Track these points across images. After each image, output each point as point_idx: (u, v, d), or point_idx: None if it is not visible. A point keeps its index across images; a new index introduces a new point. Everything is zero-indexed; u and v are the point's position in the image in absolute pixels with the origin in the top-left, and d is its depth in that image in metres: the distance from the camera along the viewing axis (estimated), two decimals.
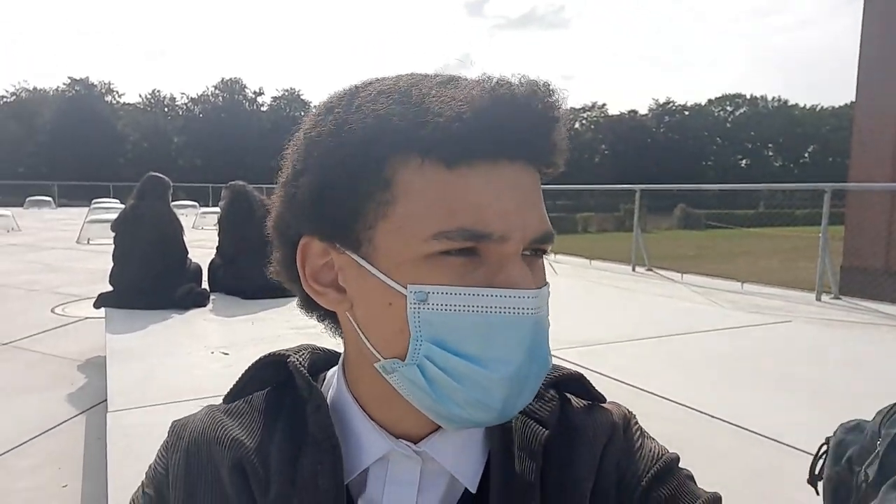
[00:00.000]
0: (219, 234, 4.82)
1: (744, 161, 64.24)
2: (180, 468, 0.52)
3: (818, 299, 6.04)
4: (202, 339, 3.47)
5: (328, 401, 0.52)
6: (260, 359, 0.56)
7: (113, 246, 4.40)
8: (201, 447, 0.52)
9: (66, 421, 2.96)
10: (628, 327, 4.01)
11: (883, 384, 2.99)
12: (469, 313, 0.43)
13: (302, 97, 62.10)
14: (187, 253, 4.54)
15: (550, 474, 0.50)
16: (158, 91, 60.61)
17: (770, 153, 64.87)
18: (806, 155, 63.05)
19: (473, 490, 0.49)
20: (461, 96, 0.44)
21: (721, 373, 3.12)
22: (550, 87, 0.47)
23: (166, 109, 60.33)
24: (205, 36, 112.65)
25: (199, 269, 4.60)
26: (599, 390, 0.58)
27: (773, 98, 64.78)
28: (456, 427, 0.47)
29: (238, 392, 0.56)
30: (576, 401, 0.56)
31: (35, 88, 55.77)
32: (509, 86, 0.45)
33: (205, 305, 4.27)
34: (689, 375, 3.04)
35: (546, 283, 0.48)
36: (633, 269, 8.11)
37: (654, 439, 0.56)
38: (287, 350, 0.57)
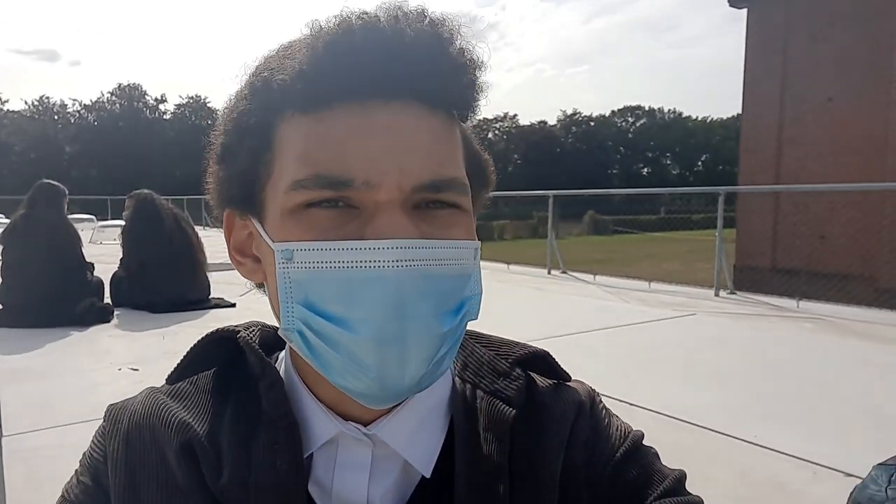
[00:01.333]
0: (123, 246, 4.53)
1: (645, 169, 68.11)
2: (120, 454, 0.48)
3: (717, 295, 6.50)
4: (107, 355, 3.24)
5: None
6: (207, 335, 0.52)
7: (0, 260, 4.03)
8: (143, 431, 0.49)
9: None
10: (549, 325, 4.14)
11: (774, 366, 3.27)
12: (330, 270, 0.39)
13: (209, 104, 59.65)
14: (88, 265, 4.23)
15: (518, 454, 0.48)
16: (47, 98, 56.14)
17: (668, 162, 69.12)
18: (699, 163, 67.71)
19: (428, 475, 0.47)
20: (322, 38, 0.40)
21: (637, 362, 3.28)
22: (425, 14, 0.42)
23: (56, 117, 56.09)
24: (100, 40, 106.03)
25: (100, 283, 4.30)
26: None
27: (669, 110, 69.20)
28: (365, 403, 0.42)
29: (182, 371, 0.52)
30: (541, 379, 0.54)
31: None
32: (371, 19, 0.41)
33: (108, 321, 3.99)
34: (608, 366, 3.17)
35: (450, 238, 0.42)
36: (549, 272, 8.38)
37: (618, 417, 0.54)
38: (236, 326, 0.53)
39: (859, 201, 9.15)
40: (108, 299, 4.33)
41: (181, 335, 3.64)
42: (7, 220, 4.50)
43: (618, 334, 3.95)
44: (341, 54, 0.40)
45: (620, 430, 0.52)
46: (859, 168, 9.20)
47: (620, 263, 12.48)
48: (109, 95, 56.42)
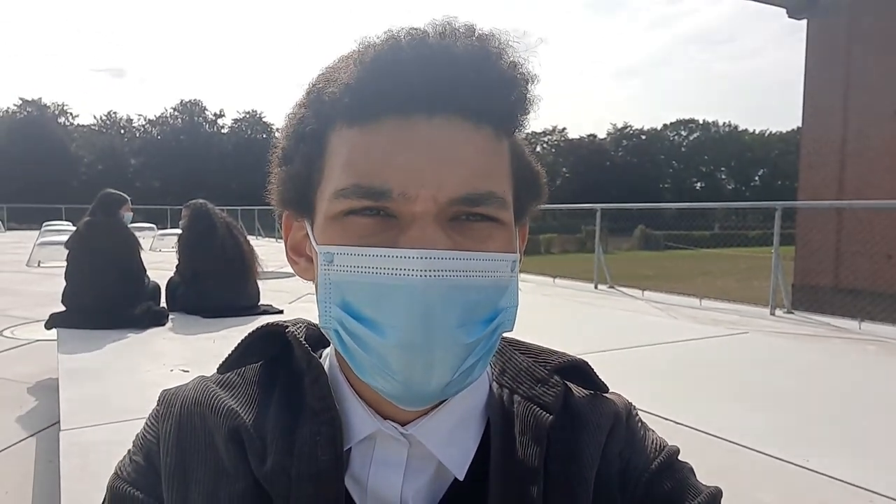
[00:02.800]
0: (178, 253, 4.71)
1: (698, 184, 66.35)
2: (172, 436, 0.51)
3: (772, 313, 6.25)
4: (161, 357, 3.37)
5: None
6: (257, 329, 0.55)
7: (66, 264, 4.26)
8: (194, 416, 0.52)
9: (14, 444, 2.81)
10: (594, 340, 4.07)
11: (831, 389, 3.11)
12: (364, 275, 0.42)
13: (264, 119, 61.60)
14: (145, 270, 4.41)
15: (553, 459, 0.49)
16: (115, 113, 59.26)
17: (723, 176, 67.14)
18: (756, 178, 65.51)
19: (461, 477, 0.48)
20: (369, 53, 0.43)
21: (684, 381, 3.18)
22: (473, 30, 0.44)
23: (122, 131, 59.05)
24: (165, 57, 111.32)
25: (157, 287, 4.47)
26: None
27: (724, 123, 67.28)
28: (396, 403, 0.44)
29: (232, 363, 0.55)
30: (577, 389, 0.55)
31: None
32: (419, 35, 0.43)
33: (163, 324, 4.15)
34: (654, 384, 3.09)
35: (483, 251, 0.43)
36: (596, 287, 8.26)
37: (654, 431, 0.55)
38: (285, 321, 0.56)
39: None
40: (163, 303, 4.50)
41: (231, 339, 3.72)
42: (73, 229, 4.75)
43: (665, 351, 3.84)
44: (387, 69, 0.41)
45: (656, 444, 0.53)
46: None
47: (672, 279, 12.15)
48: (172, 111, 59.05)
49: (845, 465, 2.09)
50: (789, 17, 10.95)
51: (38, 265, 10.57)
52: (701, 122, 67.36)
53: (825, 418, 2.62)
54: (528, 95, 0.45)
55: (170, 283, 4.65)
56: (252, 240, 5.29)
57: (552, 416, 0.50)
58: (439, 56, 0.42)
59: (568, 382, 0.54)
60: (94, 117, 58.74)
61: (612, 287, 8.36)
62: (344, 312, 0.43)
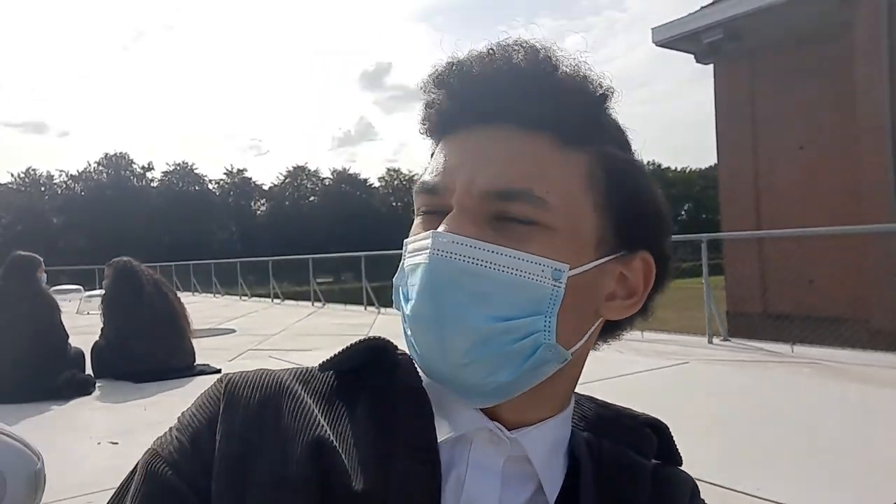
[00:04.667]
0: (103, 315, 4.44)
1: None
2: (236, 426, 0.46)
3: (710, 342, 6.46)
4: (87, 429, 3.12)
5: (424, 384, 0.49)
6: (366, 339, 0.53)
7: None
8: (268, 410, 0.47)
9: None
10: None
11: (771, 411, 3.21)
12: (406, 259, 0.47)
13: (196, 171, 60.32)
14: (67, 336, 4.13)
15: None
16: (34, 169, 56.53)
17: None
18: (683, 213, 68.92)
19: (552, 499, 0.47)
20: (436, 76, 0.48)
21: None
22: (532, 45, 0.47)
23: (43, 188, 56.35)
24: (87, 110, 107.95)
25: (80, 354, 4.19)
26: None
27: (648, 162, 70.74)
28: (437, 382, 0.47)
29: (334, 365, 0.52)
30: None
31: None
32: (482, 53, 0.47)
33: (89, 393, 3.87)
34: None
35: (493, 242, 0.43)
36: None
37: None
38: (389, 341, 0.54)
39: (842, 245, 9.26)
40: (89, 370, 4.21)
41: (164, 404, 3.53)
42: None
43: (609, 386, 3.88)
44: (453, 88, 0.47)
45: None
46: (836, 212, 9.36)
47: None
48: (96, 165, 57.05)
49: (793, 490, 2.13)
50: (697, 62, 11.76)
51: None
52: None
53: (769, 443, 2.69)
54: (596, 107, 0.47)
55: (95, 347, 4.37)
56: (188, 296, 5.07)
57: (652, 464, 0.51)
58: (499, 70, 0.45)
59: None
60: (11, 175, 55.79)
61: None
62: (401, 294, 0.47)
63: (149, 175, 58.61)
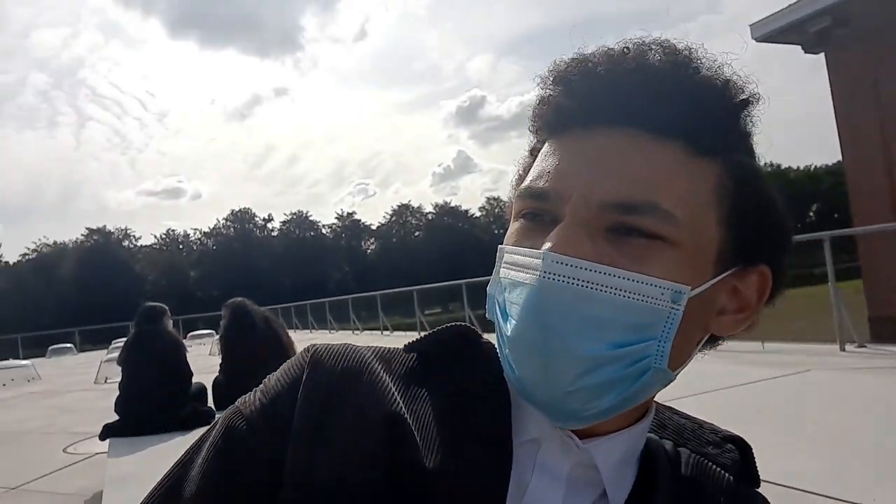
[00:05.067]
0: (221, 352, 4.85)
1: None
2: (319, 390, 0.47)
3: (842, 349, 5.85)
4: None
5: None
6: (452, 326, 0.54)
7: (121, 375, 4.45)
8: (347, 379, 0.48)
9: None
10: None
11: None
12: (508, 270, 0.44)
13: (310, 218, 64.20)
14: (191, 373, 4.54)
15: None
16: (173, 230, 63.04)
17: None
18: (811, 214, 63.28)
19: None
20: (557, 73, 0.46)
21: (737, 425, 2.98)
22: (667, 45, 0.44)
23: (181, 247, 62.47)
24: (214, 173, 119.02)
25: (203, 389, 4.58)
26: None
27: (766, 164, 65.76)
28: (533, 405, 0.44)
29: (418, 347, 0.53)
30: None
31: (55, 242, 58.21)
32: (614, 53, 0.44)
33: (209, 423, 4.21)
34: None
35: (639, 271, 0.40)
36: None
37: None
38: (475, 330, 0.54)
39: None
40: (211, 403, 4.58)
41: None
42: None
43: (724, 396, 3.64)
44: (573, 86, 0.44)
45: None
46: None
47: None
48: (224, 221, 62.48)
49: None
50: (805, 52, 10.91)
51: (105, 381, 10.97)
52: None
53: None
54: (735, 114, 0.44)
55: (215, 382, 4.76)
56: (306, 333, 5.39)
57: (732, 477, 0.48)
58: (631, 69, 0.42)
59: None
60: (155, 237, 62.49)
61: None
62: (498, 306, 0.45)
63: (269, 226, 63.30)
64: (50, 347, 26.25)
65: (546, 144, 0.46)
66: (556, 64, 0.45)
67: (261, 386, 0.50)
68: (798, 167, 66.13)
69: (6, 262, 55.16)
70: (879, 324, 9.24)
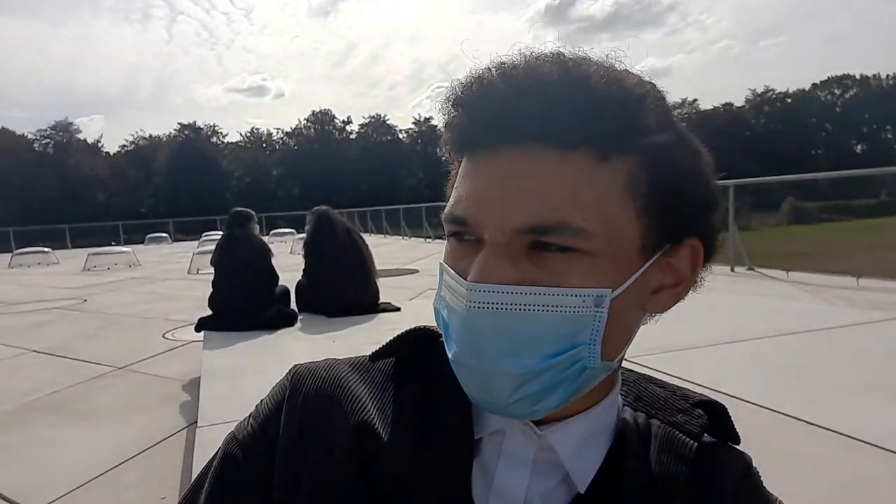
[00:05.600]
0: (305, 257, 5.03)
1: (859, 146, 59.02)
2: (297, 413, 0.52)
3: None
4: (288, 358, 3.59)
5: None
6: (413, 329, 0.56)
7: (214, 273, 4.74)
8: (322, 398, 0.52)
9: (167, 437, 3.17)
10: (722, 331, 3.75)
11: None
12: (447, 292, 0.47)
13: (388, 122, 64.16)
14: (276, 276, 4.76)
15: (692, 486, 0.49)
16: (257, 129, 64.91)
17: (889, 136, 59.17)
18: None
19: (582, 490, 0.48)
20: (461, 91, 0.46)
21: (829, 377, 2.83)
22: (560, 56, 0.44)
23: (264, 145, 64.40)
24: (296, 72, 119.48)
25: (286, 291, 4.81)
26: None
27: (889, 76, 59.12)
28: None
29: (384, 354, 0.56)
30: (707, 435, 0.54)
31: (150, 136, 61.30)
32: (505, 67, 0.44)
33: (293, 325, 4.46)
34: (785, 380, 2.79)
35: (558, 285, 0.42)
36: (732, 270, 7.62)
37: (771, 493, 0.55)
38: (434, 327, 0.56)
39: None
40: (294, 305, 4.83)
41: (350, 338, 3.93)
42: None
43: (807, 340, 3.45)
44: (479, 105, 0.44)
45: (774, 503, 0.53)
46: None
47: (827, 256, 10.90)
48: (305, 122, 63.43)
49: None
50: None
51: (197, 272, 11.83)
52: (858, 77, 59.85)
53: None
54: (634, 109, 0.43)
55: (298, 285, 4.98)
56: (380, 238, 5.52)
57: (697, 444, 0.50)
58: (526, 85, 0.42)
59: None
60: (240, 134, 64.67)
61: (751, 269, 7.67)
62: (442, 322, 0.47)
63: (348, 128, 63.83)
64: (148, 235, 28.40)
65: (464, 161, 0.46)
66: (453, 86, 0.46)
67: (253, 410, 0.55)
68: None
69: (107, 153, 58.83)
70: None
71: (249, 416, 0.55)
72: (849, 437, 2.10)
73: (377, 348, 0.56)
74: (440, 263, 0.49)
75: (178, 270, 12.68)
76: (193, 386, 4.07)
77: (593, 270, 0.42)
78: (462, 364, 0.44)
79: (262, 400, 0.56)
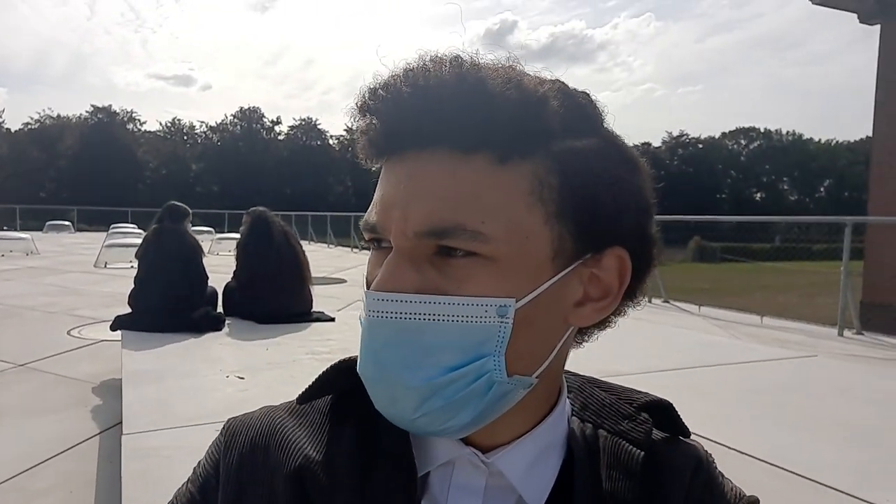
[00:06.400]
0: (237, 259, 4.83)
1: (758, 194, 64.03)
2: (233, 469, 0.50)
3: (840, 334, 5.93)
4: (217, 362, 3.44)
5: None
6: (336, 363, 0.54)
7: (136, 269, 4.44)
8: (257, 450, 0.51)
9: (79, 443, 2.93)
10: (649, 359, 3.94)
11: None
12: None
13: (318, 126, 63.08)
14: (207, 277, 4.54)
15: (641, 498, 0.48)
16: (179, 119, 61.93)
17: (785, 187, 64.62)
18: (822, 189, 62.81)
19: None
20: (367, 98, 0.45)
21: (749, 407, 3.03)
22: (461, 59, 0.43)
23: (185, 137, 61.51)
24: (226, 66, 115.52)
25: (214, 293, 4.59)
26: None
27: (788, 132, 64.71)
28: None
29: (310, 396, 0.54)
30: (656, 432, 0.53)
31: (59, 116, 57.09)
32: (411, 73, 0.43)
33: (220, 329, 4.25)
34: (715, 409, 2.96)
35: (460, 293, 0.41)
36: (650, 301, 8.03)
37: (730, 480, 0.55)
38: None
39: None
40: (220, 308, 4.62)
41: (283, 346, 3.80)
42: (140, 232, 4.93)
43: (726, 373, 3.68)
44: (381, 112, 0.43)
45: (735, 492, 0.53)
46: None
47: (729, 293, 11.68)
48: (232, 118, 61.21)
49: None
50: (861, 22, 10.43)
51: (105, 266, 11.08)
52: (763, 130, 65.09)
53: None
54: (535, 111, 0.42)
55: (227, 288, 4.77)
56: (305, 245, 5.38)
57: (643, 453, 0.49)
58: (425, 90, 0.41)
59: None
60: (160, 124, 61.45)
61: (666, 301, 8.11)
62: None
63: (276, 129, 62.18)
64: (48, 222, 26.35)
65: (381, 173, 0.46)
66: (360, 93, 0.45)
67: (191, 474, 0.53)
68: (820, 140, 64.91)
69: (7, 129, 54.21)
70: (870, 310, 9.33)
71: (188, 480, 0.53)
72: (772, 464, 2.25)
73: (302, 391, 0.54)
74: (364, 276, 0.48)
75: (84, 263, 11.82)
76: (106, 388, 3.80)
77: (497, 277, 0.41)
78: (365, 376, 0.44)
79: (199, 462, 0.54)
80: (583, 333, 0.50)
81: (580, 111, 0.45)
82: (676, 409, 0.55)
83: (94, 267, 11.04)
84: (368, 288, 0.44)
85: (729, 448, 2.40)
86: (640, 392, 0.56)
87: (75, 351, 4.77)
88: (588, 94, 0.47)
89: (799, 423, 2.80)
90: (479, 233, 0.40)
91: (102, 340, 4.97)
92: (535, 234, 0.42)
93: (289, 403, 0.55)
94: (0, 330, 5.48)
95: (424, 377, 0.41)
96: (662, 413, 0.54)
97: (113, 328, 4.19)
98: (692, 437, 0.55)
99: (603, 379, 0.58)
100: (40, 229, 24.97)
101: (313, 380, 0.53)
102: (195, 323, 4.11)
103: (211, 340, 4.01)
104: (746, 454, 2.36)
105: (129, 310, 4.25)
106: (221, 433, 0.54)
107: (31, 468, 2.63)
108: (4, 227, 22.43)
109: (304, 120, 62.81)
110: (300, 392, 0.54)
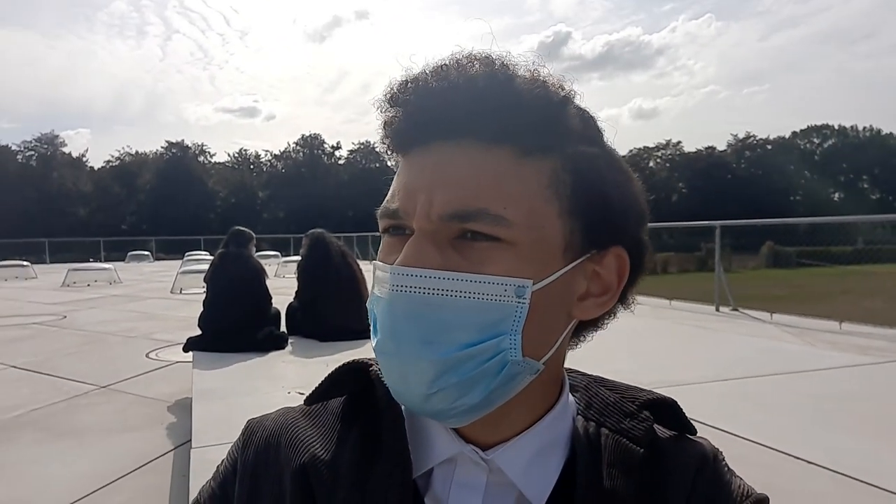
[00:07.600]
0: (298, 279, 5.01)
1: (836, 195, 60.47)
2: (249, 466, 0.54)
3: None
4: (280, 379, 3.58)
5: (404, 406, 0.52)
6: (343, 365, 0.57)
7: (204, 293, 4.69)
8: (270, 448, 0.54)
9: (155, 459, 3.10)
10: (713, 368, 3.80)
11: None
12: (375, 284, 0.47)
13: (377, 149, 63.87)
14: (270, 298, 4.73)
15: (641, 496, 0.49)
16: (245, 150, 64.75)
17: (865, 185, 60.81)
18: None
19: (539, 502, 0.48)
20: (395, 92, 0.47)
21: (817, 416, 2.88)
22: (489, 57, 0.46)
23: (252, 167, 64.19)
24: (287, 96, 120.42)
25: (278, 313, 4.78)
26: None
27: (865, 128, 61.03)
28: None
29: (319, 395, 0.57)
30: (661, 430, 0.54)
31: (137, 152, 60.82)
32: (439, 69, 0.46)
33: (283, 348, 4.42)
34: (780, 417, 2.83)
35: (480, 272, 0.43)
36: (717, 310, 7.73)
37: (740, 477, 0.54)
38: (370, 359, 0.58)
39: None
40: (283, 328, 4.79)
41: (342, 362, 3.90)
42: (210, 258, 5.21)
43: (795, 381, 3.51)
44: (408, 104, 0.46)
45: (742, 489, 0.52)
46: None
47: (807, 300, 11.06)
48: (295, 145, 63.44)
49: None
50: None
51: (181, 292, 11.67)
52: (836, 127, 61.63)
53: None
54: (557, 111, 0.46)
55: (289, 308, 4.95)
56: (365, 264, 5.51)
57: (642, 450, 0.50)
58: (455, 84, 0.44)
59: (656, 421, 0.54)
60: (228, 154, 64.47)
61: (735, 310, 7.78)
62: (373, 315, 0.47)
63: (337, 153, 63.94)
64: (129, 253, 27.98)
65: (400, 161, 0.48)
66: (390, 86, 0.47)
67: (214, 471, 0.57)
68: None
69: (91, 168, 58.24)
70: None
71: (211, 477, 0.57)
72: (843, 475, 2.14)
73: (310, 392, 0.56)
74: (373, 263, 0.50)
75: (161, 289, 12.49)
76: (180, 407, 4.00)
77: (516, 261, 0.43)
78: (381, 352, 0.45)
79: (221, 460, 0.57)
80: (578, 334, 0.52)
81: (591, 121, 0.49)
82: (681, 407, 0.55)
83: (171, 293, 11.65)
84: (384, 266, 0.46)
85: (785, 454, 2.29)
86: (644, 390, 0.57)
87: (153, 372, 5.06)
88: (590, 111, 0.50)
89: (874, 432, 2.64)
90: (502, 217, 0.43)
91: (177, 362, 5.25)
92: (550, 225, 0.45)
93: (304, 406, 0.58)
94: (86, 354, 5.87)
95: (442, 352, 0.43)
96: (667, 411, 0.55)
97: (185, 349, 4.43)
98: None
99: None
100: (122, 259, 26.57)
101: (320, 382, 0.56)
102: (259, 342, 4.29)
103: (275, 359, 4.17)
104: (810, 462, 2.25)
105: (199, 332, 4.49)
106: (241, 432, 0.57)
107: (110, 483, 2.81)
108: (90, 259, 24.01)
109: (362, 144, 64.30)
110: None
